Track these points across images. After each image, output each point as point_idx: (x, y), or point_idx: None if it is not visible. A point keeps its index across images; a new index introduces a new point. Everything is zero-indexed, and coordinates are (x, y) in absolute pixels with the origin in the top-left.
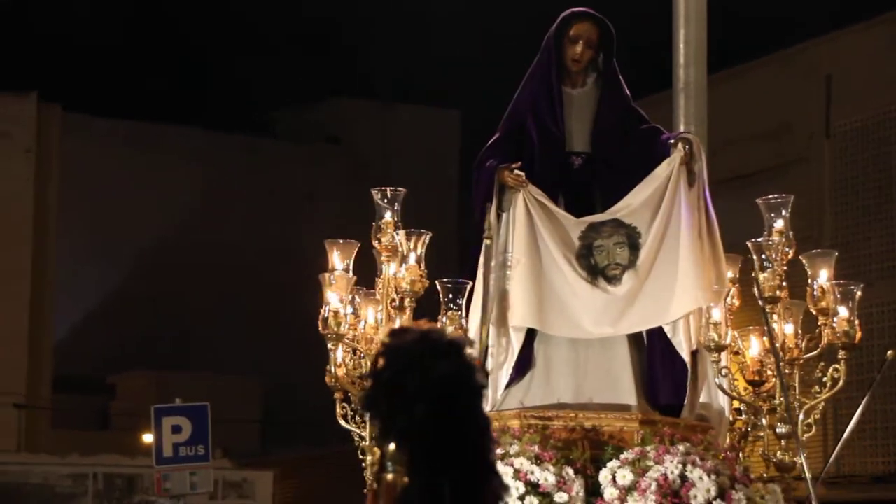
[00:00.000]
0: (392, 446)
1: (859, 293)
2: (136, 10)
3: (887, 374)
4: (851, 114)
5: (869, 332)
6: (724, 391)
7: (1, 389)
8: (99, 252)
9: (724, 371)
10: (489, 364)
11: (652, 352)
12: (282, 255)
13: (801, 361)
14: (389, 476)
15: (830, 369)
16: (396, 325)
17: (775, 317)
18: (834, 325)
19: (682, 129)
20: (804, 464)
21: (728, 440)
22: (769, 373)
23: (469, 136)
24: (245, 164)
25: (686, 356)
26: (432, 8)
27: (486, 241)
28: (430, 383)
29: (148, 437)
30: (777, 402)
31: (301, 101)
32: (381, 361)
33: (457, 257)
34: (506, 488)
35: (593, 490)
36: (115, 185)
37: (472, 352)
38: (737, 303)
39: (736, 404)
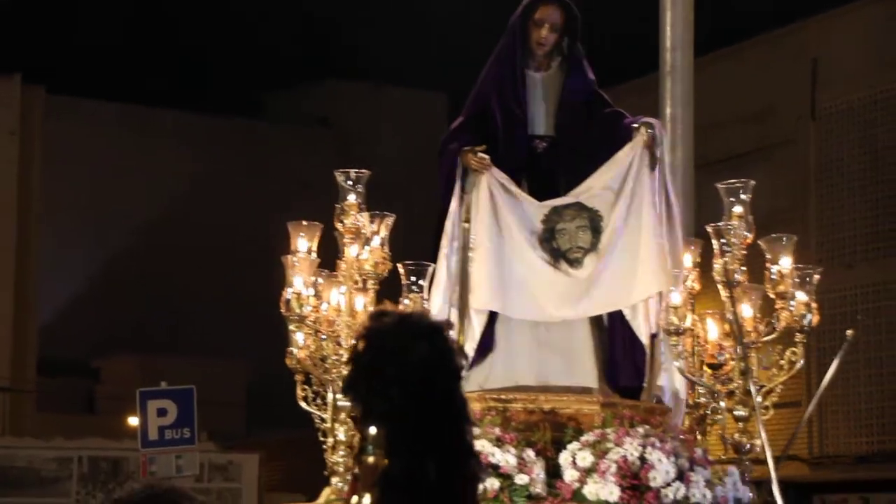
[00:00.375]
0: (373, 430)
1: (817, 277)
2: None
3: (870, 357)
4: (837, 96)
5: (853, 313)
6: (683, 374)
7: None
8: (86, 234)
9: (683, 354)
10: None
11: (613, 335)
12: (272, 238)
13: (760, 344)
14: (370, 459)
15: (788, 352)
16: (360, 307)
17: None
18: (792, 308)
19: (668, 111)
20: (766, 444)
21: (687, 423)
22: (728, 356)
23: (455, 118)
24: (235, 146)
25: (645, 340)
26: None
27: (465, 225)
28: (409, 366)
29: (133, 421)
30: (735, 385)
31: (291, 84)
32: (360, 344)
33: None
34: (483, 469)
35: (554, 472)
36: (102, 168)
37: (452, 334)
38: (697, 287)
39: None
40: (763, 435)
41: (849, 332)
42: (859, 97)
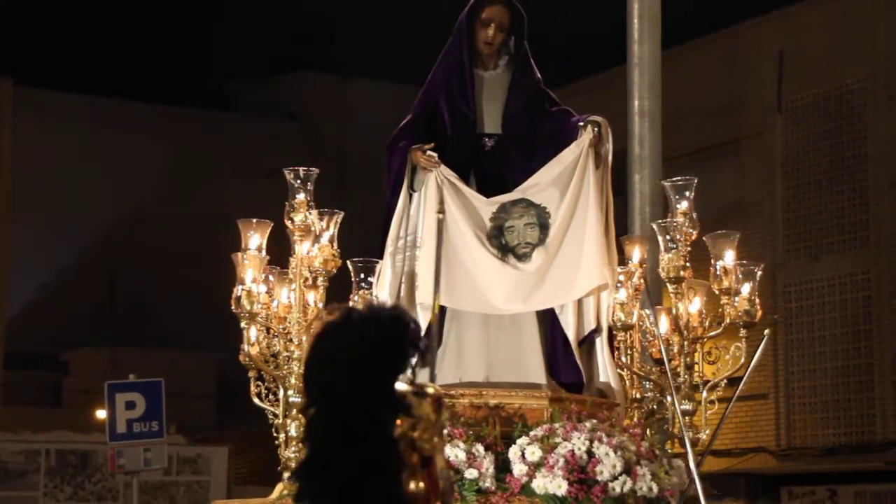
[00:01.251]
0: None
1: (759, 272)
2: None
3: (837, 349)
4: (804, 89)
5: (820, 305)
6: (629, 369)
7: None
8: (54, 228)
9: (629, 350)
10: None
11: (553, 331)
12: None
13: (705, 339)
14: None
15: (732, 347)
16: (311, 303)
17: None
18: (735, 304)
19: (636, 104)
20: (687, 438)
21: (635, 417)
22: (675, 351)
23: None
24: (203, 139)
25: (572, 336)
26: None
27: (439, 216)
28: (344, 352)
29: (101, 414)
30: (682, 379)
31: (259, 76)
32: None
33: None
34: (396, 474)
35: (503, 466)
36: (70, 161)
37: (411, 325)
38: (643, 283)
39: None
40: (684, 428)
41: (766, 330)
42: (825, 90)
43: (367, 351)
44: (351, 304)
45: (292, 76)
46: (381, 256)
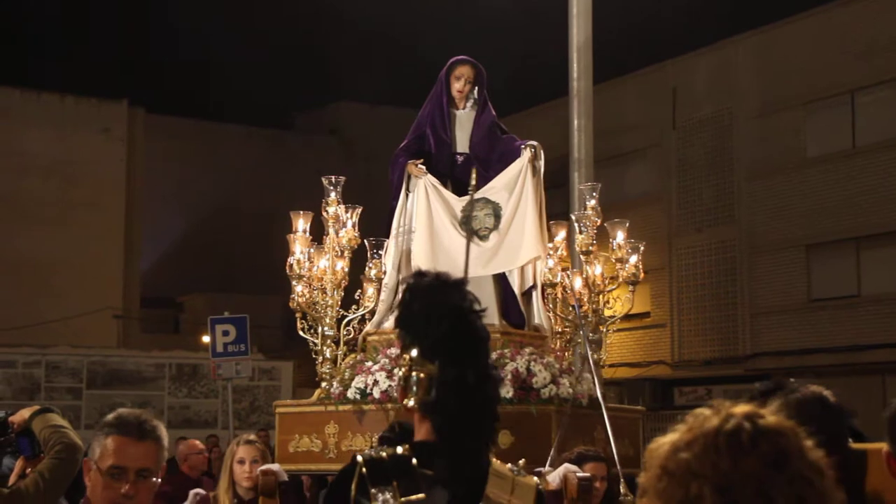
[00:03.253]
0: (414, 353)
1: (642, 248)
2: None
3: (711, 293)
4: (690, 113)
5: (701, 262)
6: (555, 313)
7: (104, 305)
8: (172, 212)
9: (555, 300)
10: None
11: (506, 288)
12: (298, 210)
13: (606, 293)
14: (422, 374)
15: (623, 297)
16: (339, 268)
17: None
18: (626, 268)
19: (575, 123)
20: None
21: (558, 344)
22: (585, 300)
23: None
24: (272, 150)
25: (517, 290)
26: (408, 33)
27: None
28: (445, 309)
29: (206, 339)
30: (590, 318)
31: (310, 105)
32: (407, 295)
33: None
34: (501, 381)
35: None
36: (184, 164)
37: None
38: (564, 253)
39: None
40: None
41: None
42: (704, 114)
43: (463, 307)
44: (367, 268)
45: (335, 104)
46: (388, 236)
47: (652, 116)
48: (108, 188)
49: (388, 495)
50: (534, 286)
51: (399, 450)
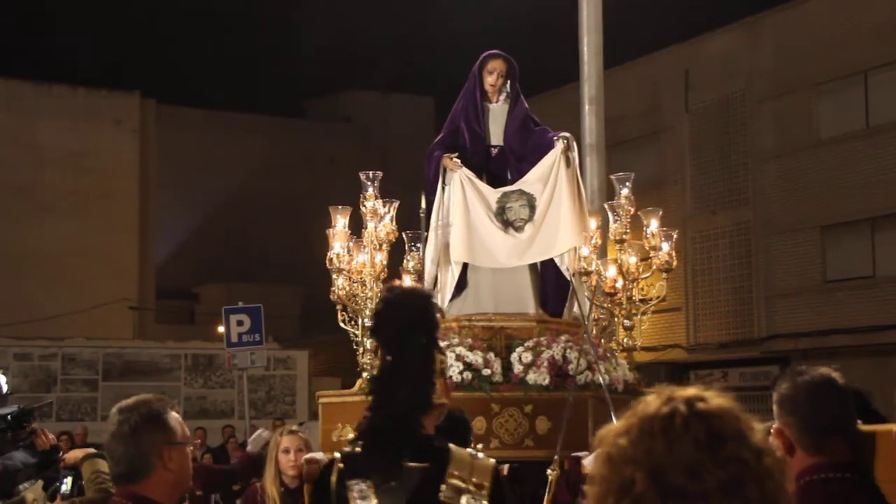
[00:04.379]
0: (389, 358)
1: (675, 236)
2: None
3: (727, 276)
4: (704, 97)
5: (716, 246)
6: (590, 300)
7: (120, 296)
8: (186, 201)
9: (589, 287)
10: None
11: (544, 277)
12: (312, 199)
13: (640, 280)
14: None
15: (657, 284)
16: (378, 261)
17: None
18: (659, 256)
19: (586, 108)
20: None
21: (595, 331)
22: (620, 287)
23: (442, 117)
24: (287, 137)
25: (570, 278)
26: (418, 26)
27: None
28: (410, 319)
29: (221, 329)
30: (625, 306)
31: (324, 93)
32: (380, 306)
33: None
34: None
35: (507, 367)
36: (197, 154)
37: (435, 299)
38: (599, 242)
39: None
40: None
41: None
42: (718, 97)
43: (426, 316)
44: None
45: (348, 92)
46: (411, 222)
47: (664, 100)
48: (121, 179)
49: (363, 485)
50: (574, 275)
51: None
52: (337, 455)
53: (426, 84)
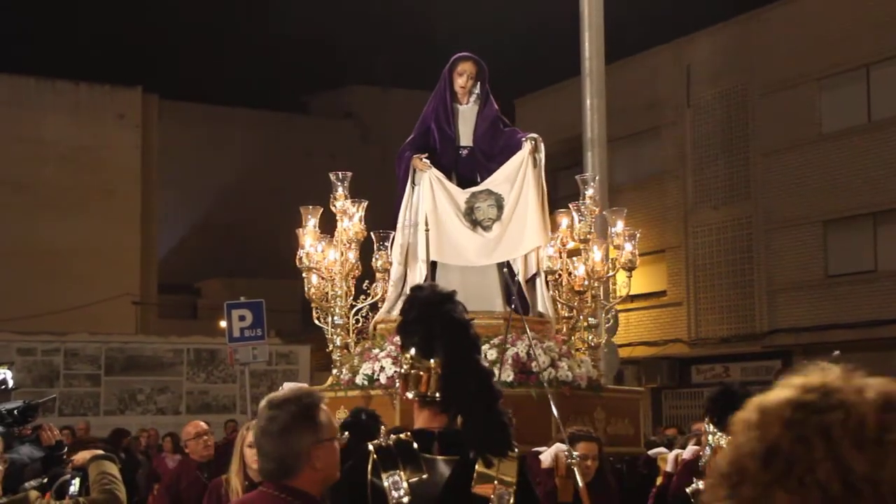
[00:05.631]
0: (412, 352)
1: (638, 235)
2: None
3: (728, 270)
4: (705, 91)
5: (717, 240)
6: (555, 299)
7: (123, 291)
8: (186, 198)
9: (554, 285)
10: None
11: (511, 276)
12: (312, 195)
13: (605, 278)
14: (421, 371)
15: (621, 280)
16: (351, 258)
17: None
18: (623, 254)
19: (587, 102)
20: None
21: (563, 329)
22: (587, 285)
23: None
24: (287, 132)
25: (522, 278)
26: (419, 22)
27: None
28: (451, 323)
29: (223, 324)
30: (590, 303)
31: (324, 88)
32: (408, 305)
33: None
34: (491, 372)
35: None
36: (198, 149)
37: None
38: (568, 240)
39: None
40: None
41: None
42: (719, 91)
43: (462, 319)
44: (384, 263)
45: (348, 87)
46: (394, 226)
47: (666, 94)
48: (123, 174)
49: (396, 476)
50: (537, 273)
51: (401, 437)
52: (370, 447)
53: (427, 79)
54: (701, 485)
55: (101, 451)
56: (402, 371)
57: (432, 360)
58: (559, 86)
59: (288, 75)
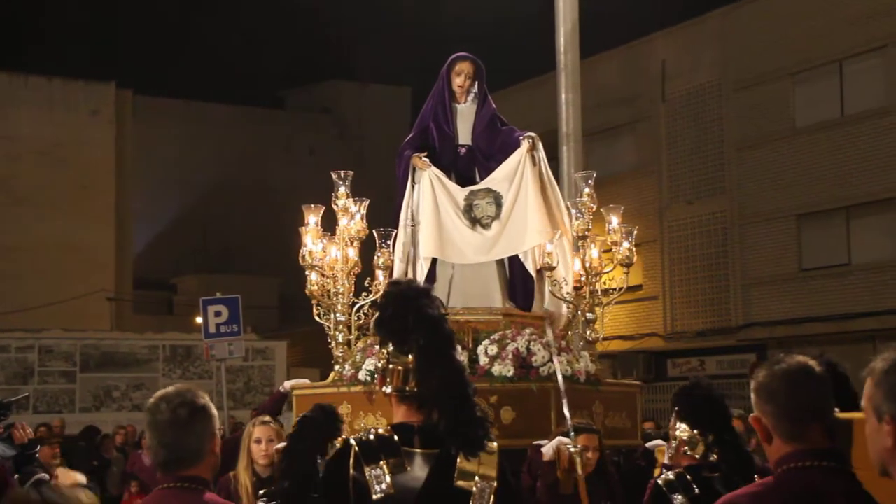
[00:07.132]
0: (391, 347)
1: (635, 232)
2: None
3: (703, 264)
4: (679, 87)
5: (692, 235)
6: (554, 294)
7: (97, 287)
8: (164, 193)
9: (554, 282)
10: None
11: (513, 273)
12: (292, 189)
13: (601, 275)
14: (399, 366)
15: (619, 276)
16: (352, 256)
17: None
18: (620, 251)
19: (563, 97)
20: (556, 360)
21: (560, 324)
22: (584, 280)
23: (418, 107)
24: (265, 128)
25: (534, 273)
26: (397, 17)
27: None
28: (424, 318)
29: (199, 320)
30: (587, 299)
31: (302, 83)
32: (384, 301)
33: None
34: (464, 368)
35: (473, 359)
36: (174, 145)
37: (434, 293)
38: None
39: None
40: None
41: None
42: (694, 86)
43: (438, 317)
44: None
45: (326, 82)
46: (387, 218)
47: (641, 89)
48: (98, 170)
49: (379, 470)
50: (540, 270)
51: (381, 431)
52: (352, 441)
53: (403, 74)
54: (671, 475)
55: (82, 479)
56: (380, 365)
57: (410, 356)
58: (534, 81)
59: (265, 70)
